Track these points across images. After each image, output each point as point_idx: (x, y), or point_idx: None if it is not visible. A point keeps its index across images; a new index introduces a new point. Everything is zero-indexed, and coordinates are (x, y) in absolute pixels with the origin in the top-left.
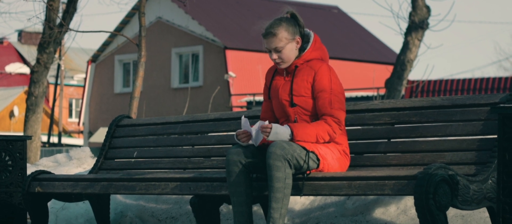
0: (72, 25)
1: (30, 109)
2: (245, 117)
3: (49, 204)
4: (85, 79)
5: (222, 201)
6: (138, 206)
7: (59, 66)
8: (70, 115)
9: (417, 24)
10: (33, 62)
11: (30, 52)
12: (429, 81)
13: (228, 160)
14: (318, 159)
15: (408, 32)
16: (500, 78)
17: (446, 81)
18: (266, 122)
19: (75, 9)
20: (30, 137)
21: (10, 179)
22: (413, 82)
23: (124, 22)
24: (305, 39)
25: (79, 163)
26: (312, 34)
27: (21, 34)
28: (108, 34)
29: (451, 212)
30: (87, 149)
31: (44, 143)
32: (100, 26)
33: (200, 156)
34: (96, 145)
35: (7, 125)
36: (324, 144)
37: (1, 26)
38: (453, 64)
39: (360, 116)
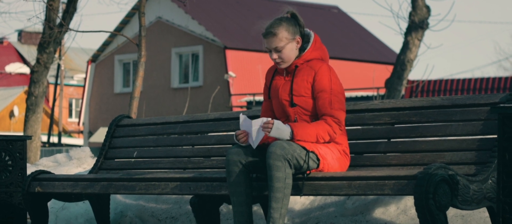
0: (72, 25)
1: (30, 109)
2: (243, 114)
3: (49, 204)
4: (85, 79)
5: (222, 201)
6: (138, 206)
7: (59, 66)
8: (70, 115)
9: (417, 24)
10: (33, 62)
11: (30, 52)
12: (429, 81)
13: (228, 160)
14: (318, 159)
15: (408, 32)
16: (500, 78)
17: (446, 81)
18: (269, 119)
19: (75, 9)
20: (30, 137)
21: (10, 179)
22: (413, 82)
23: (124, 22)
24: (305, 39)
25: (79, 163)
26: (312, 34)
27: (21, 34)
28: (108, 34)
29: (451, 212)
30: (87, 149)
31: (44, 143)
32: (100, 26)
33: (200, 156)
34: (96, 145)
35: (7, 125)
36: (324, 144)
37: (1, 26)
38: (453, 64)
39: (360, 116)
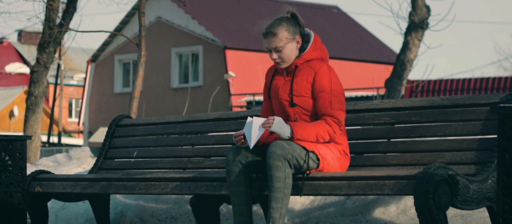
0: (72, 25)
1: (30, 109)
2: (250, 117)
3: (49, 204)
4: (85, 79)
5: (222, 201)
6: (138, 206)
7: (59, 66)
8: (70, 115)
9: (417, 24)
10: (33, 62)
11: (30, 52)
12: (429, 81)
13: (228, 160)
14: (318, 159)
15: (408, 32)
16: (500, 78)
17: (446, 81)
18: (270, 117)
19: (75, 9)
20: (30, 137)
21: (10, 179)
22: (413, 82)
23: (124, 22)
24: (305, 39)
25: (79, 163)
26: (312, 34)
27: (21, 34)
28: (108, 34)
29: (451, 212)
30: (87, 149)
31: (44, 143)
32: (100, 26)
33: (200, 156)
34: (96, 145)
35: (7, 125)
36: (324, 144)
37: (1, 26)
38: (453, 64)
39: (360, 116)
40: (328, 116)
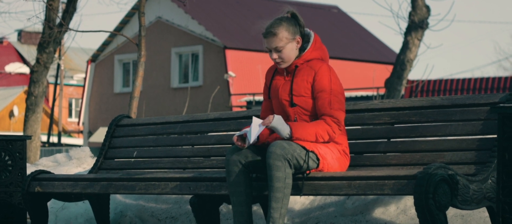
0: (71, 24)
1: (29, 109)
2: (255, 118)
3: (48, 203)
4: (85, 78)
5: (222, 201)
6: (138, 206)
7: (58, 65)
8: (70, 115)
9: (417, 24)
10: (32, 62)
11: (30, 51)
12: (429, 81)
13: (228, 160)
14: (318, 159)
15: (407, 32)
16: (499, 78)
17: (446, 81)
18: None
19: (74, 9)
20: (29, 137)
21: (9, 179)
22: (413, 82)
23: (124, 22)
24: (305, 39)
25: (78, 163)
26: (312, 34)
27: (20, 34)
28: (107, 34)
29: (451, 211)
30: (87, 149)
31: (43, 143)
32: (100, 26)
33: (199, 156)
34: (95, 145)
35: (6, 125)
36: (324, 144)
37: (1, 26)
38: (453, 64)
39: (360, 116)
40: (327, 116)
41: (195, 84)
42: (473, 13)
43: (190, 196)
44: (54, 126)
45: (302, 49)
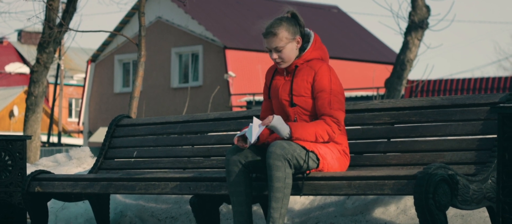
0: (71, 24)
1: (29, 109)
2: (256, 118)
3: (48, 203)
4: (85, 78)
5: (222, 201)
6: (137, 205)
7: (58, 65)
8: (70, 114)
9: (417, 24)
10: (32, 62)
11: (30, 51)
12: (429, 81)
13: (228, 160)
14: (318, 159)
15: (407, 32)
16: (499, 78)
17: (446, 80)
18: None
19: (74, 9)
20: (29, 137)
21: (9, 179)
22: (413, 81)
23: (124, 22)
24: (305, 38)
25: (78, 162)
26: (312, 34)
27: (20, 33)
28: (107, 34)
29: (451, 211)
30: (87, 149)
31: (43, 142)
32: (100, 26)
33: (199, 156)
34: (95, 145)
35: (6, 125)
36: (324, 143)
37: (0, 26)
38: (453, 64)
39: (360, 116)
40: (327, 116)
41: (195, 84)
42: (473, 13)
43: (190, 196)
44: (54, 126)
45: (302, 49)
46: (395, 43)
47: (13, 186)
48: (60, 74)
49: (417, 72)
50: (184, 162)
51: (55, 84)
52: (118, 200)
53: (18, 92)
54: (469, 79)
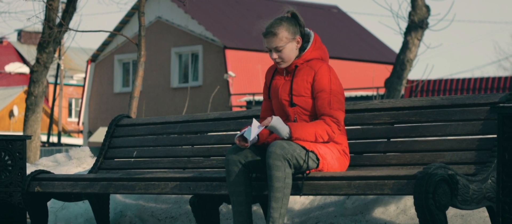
0: (71, 24)
1: (29, 109)
2: (255, 120)
3: (48, 203)
4: (85, 78)
5: (222, 201)
6: (137, 205)
7: (58, 65)
8: (70, 114)
9: (416, 24)
10: (32, 62)
11: (30, 51)
12: (429, 81)
13: (228, 160)
14: (317, 159)
15: (407, 32)
16: (499, 78)
17: (446, 80)
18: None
19: (74, 9)
20: (29, 137)
21: (9, 179)
22: (412, 81)
23: (124, 22)
24: (305, 38)
25: (78, 162)
26: (312, 33)
27: (20, 33)
28: (107, 34)
29: (451, 211)
30: (87, 149)
31: (43, 142)
32: (100, 26)
33: (199, 156)
34: (95, 145)
35: (6, 124)
36: (323, 143)
37: (0, 25)
38: (453, 64)
39: (360, 116)
40: (327, 116)
41: (195, 84)
42: (473, 13)
43: (190, 196)
44: (54, 126)
45: (302, 49)
46: (395, 43)
47: (13, 186)
48: (60, 74)
49: (417, 72)
50: (184, 162)
51: (55, 84)
52: (118, 200)
53: (18, 92)
54: (469, 79)
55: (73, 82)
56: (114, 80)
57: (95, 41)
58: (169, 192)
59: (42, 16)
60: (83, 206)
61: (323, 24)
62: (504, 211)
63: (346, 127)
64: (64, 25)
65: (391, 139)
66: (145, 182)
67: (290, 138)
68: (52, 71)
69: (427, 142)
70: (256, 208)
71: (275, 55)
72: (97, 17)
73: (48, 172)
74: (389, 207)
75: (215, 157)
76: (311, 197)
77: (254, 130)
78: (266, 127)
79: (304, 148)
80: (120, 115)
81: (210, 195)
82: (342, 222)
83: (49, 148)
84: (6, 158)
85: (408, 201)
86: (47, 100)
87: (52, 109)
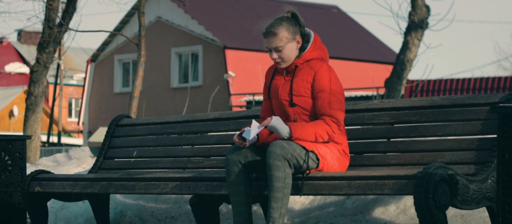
0: (71, 24)
1: (29, 109)
2: (255, 121)
3: (48, 203)
4: (85, 78)
5: (222, 201)
6: (137, 205)
7: (58, 65)
8: (70, 114)
9: (416, 24)
10: (32, 62)
11: (30, 51)
12: (429, 81)
13: (228, 160)
14: (317, 159)
15: (407, 32)
16: (499, 78)
17: (446, 80)
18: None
19: (74, 9)
20: (29, 137)
21: (9, 179)
22: (412, 81)
23: (124, 22)
24: (305, 38)
25: (78, 162)
26: (312, 33)
27: (20, 33)
28: (107, 34)
29: (451, 211)
30: (87, 149)
31: (43, 142)
32: (100, 26)
33: (199, 156)
34: (95, 145)
35: (6, 124)
36: (323, 143)
37: (0, 25)
38: (453, 64)
39: (360, 116)
40: (327, 116)
41: (195, 84)
42: (473, 13)
43: (190, 196)
44: (54, 126)
45: (302, 49)
46: (395, 43)
47: (13, 186)
48: (60, 74)
49: (417, 72)
50: (184, 162)
51: (55, 84)
52: (118, 200)
53: (18, 92)
54: (469, 79)
55: (73, 82)
56: (114, 80)
57: (95, 41)
58: (169, 192)
59: (42, 16)
60: (83, 206)
61: (323, 24)
62: (504, 211)
63: (346, 127)
64: (64, 25)
65: (391, 139)
66: (145, 182)
67: (290, 138)
68: (52, 71)
69: (427, 142)
70: (256, 208)
71: (275, 55)
72: (97, 17)
73: (48, 172)
74: (389, 207)
75: (215, 157)
76: (311, 197)
77: (253, 130)
78: (266, 127)
79: (304, 148)
80: (120, 115)
81: (210, 195)
82: (342, 222)
83: (49, 148)
84: (6, 158)
85: (408, 201)
86: (47, 100)
87: (52, 109)
